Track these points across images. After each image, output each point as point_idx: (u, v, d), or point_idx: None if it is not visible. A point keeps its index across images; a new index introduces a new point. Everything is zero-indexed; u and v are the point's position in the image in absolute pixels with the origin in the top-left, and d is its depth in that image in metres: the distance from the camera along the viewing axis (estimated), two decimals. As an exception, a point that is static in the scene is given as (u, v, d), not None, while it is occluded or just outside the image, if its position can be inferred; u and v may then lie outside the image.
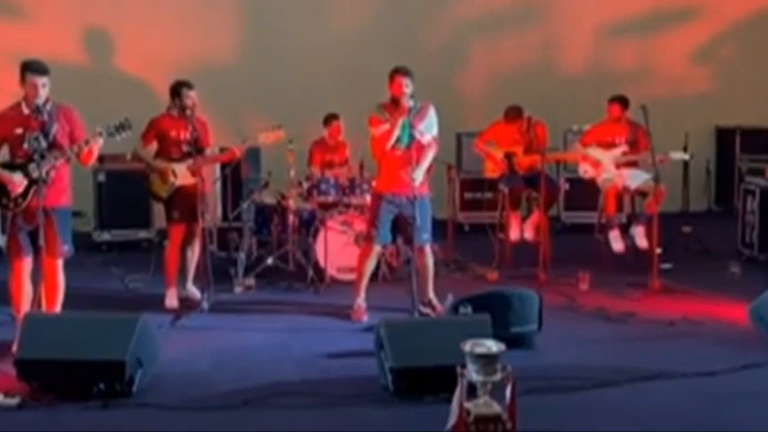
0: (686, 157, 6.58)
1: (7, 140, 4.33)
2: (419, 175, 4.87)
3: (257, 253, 6.49)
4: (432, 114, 4.99)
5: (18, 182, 4.26)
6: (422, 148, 4.97)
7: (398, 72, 4.93)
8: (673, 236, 6.74)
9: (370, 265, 5.16)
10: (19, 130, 4.29)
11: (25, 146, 4.27)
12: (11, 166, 4.31)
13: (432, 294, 5.20)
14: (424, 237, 5.05)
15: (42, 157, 4.22)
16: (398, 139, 4.92)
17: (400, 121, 4.86)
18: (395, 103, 4.94)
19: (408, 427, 3.52)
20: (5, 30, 7.64)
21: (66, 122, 4.36)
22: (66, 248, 4.44)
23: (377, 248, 5.13)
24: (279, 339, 4.74)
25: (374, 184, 5.35)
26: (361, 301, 5.14)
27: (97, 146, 4.39)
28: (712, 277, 5.99)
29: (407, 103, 4.85)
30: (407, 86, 4.90)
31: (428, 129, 4.97)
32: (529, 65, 8.77)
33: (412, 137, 4.91)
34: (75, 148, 4.32)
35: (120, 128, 4.38)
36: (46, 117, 4.24)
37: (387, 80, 5.00)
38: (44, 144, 4.23)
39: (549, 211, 6.77)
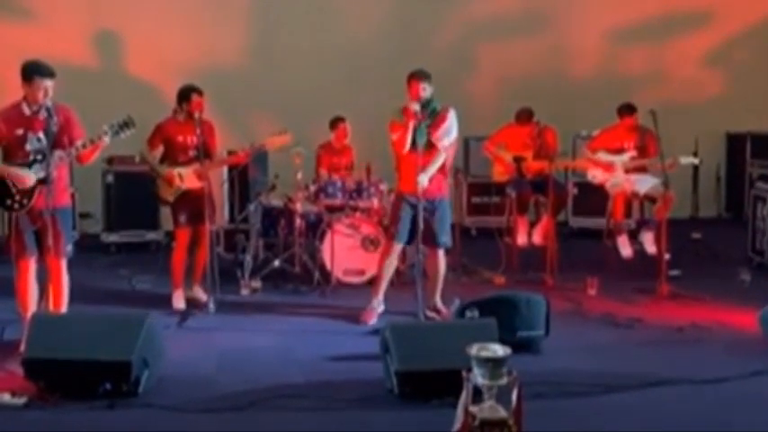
0: (696, 161, 6.54)
1: (6, 141, 4.30)
2: (424, 179, 4.87)
3: (264, 255, 6.50)
4: (450, 119, 4.94)
5: (28, 176, 4.25)
6: (436, 153, 4.95)
7: (415, 76, 4.93)
8: (682, 242, 6.71)
9: (390, 264, 5.13)
10: (20, 131, 4.27)
11: (28, 147, 4.27)
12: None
13: (438, 299, 5.18)
14: (443, 239, 5.05)
15: (44, 157, 4.23)
16: (415, 143, 4.89)
17: (411, 125, 4.86)
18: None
19: (413, 431, 3.50)
20: (16, 31, 7.69)
21: (66, 122, 4.34)
22: (69, 248, 4.46)
23: (397, 247, 5.11)
24: (284, 341, 4.74)
25: (397, 184, 5.28)
26: (375, 303, 5.12)
27: (103, 145, 4.39)
28: (721, 284, 5.95)
29: (414, 107, 4.85)
30: (425, 90, 4.90)
31: (446, 134, 4.94)
32: (538, 69, 8.75)
33: (430, 141, 4.90)
34: (80, 148, 4.32)
35: (124, 126, 4.37)
36: (49, 117, 4.22)
37: (396, 83, 5.01)
38: (47, 144, 4.23)
39: (558, 216, 6.74)
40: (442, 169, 5.01)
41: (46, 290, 4.38)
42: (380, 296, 5.15)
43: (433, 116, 4.91)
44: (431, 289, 5.11)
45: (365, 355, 4.32)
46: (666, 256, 5.69)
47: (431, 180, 4.91)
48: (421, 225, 4.85)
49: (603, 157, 6.40)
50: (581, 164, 6.89)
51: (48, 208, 4.19)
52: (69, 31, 7.86)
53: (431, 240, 4.98)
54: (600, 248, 6.66)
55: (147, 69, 7.99)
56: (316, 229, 6.21)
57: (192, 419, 3.59)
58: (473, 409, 2.96)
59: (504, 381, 2.95)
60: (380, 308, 5.14)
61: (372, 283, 5.24)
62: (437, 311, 5.13)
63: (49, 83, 4.24)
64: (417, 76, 4.93)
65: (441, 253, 5.10)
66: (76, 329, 3.87)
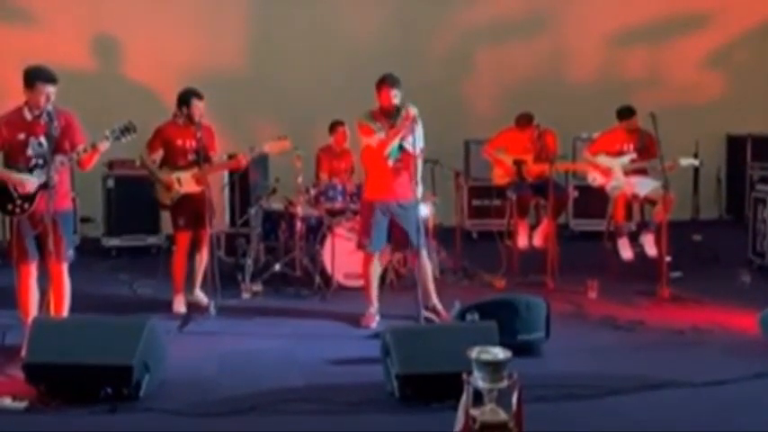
0: (696, 162, 6.54)
1: (8, 146, 4.31)
2: (419, 188, 4.94)
3: (265, 259, 6.50)
4: (420, 127, 5.00)
5: (30, 182, 4.24)
6: (410, 158, 4.97)
7: (386, 82, 4.93)
8: (683, 244, 6.70)
9: (373, 273, 5.16)
10: (21, 136, 4.28)
11: (29, 151, 4.27)
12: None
13: (435, 300, 5.19)
14: (422, 241, 5.05)
15: (45, 161, 4.24)
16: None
17: (397, 140, 4.89)
18: (383, 112, 4.97)
19: (414, 434, 3.51)
20: (16, 36, 7.71)
21: (67, 127, 4.35)
22: (71, 252, 4.46)
23: (375, 255, 5.13)
24: (285, 345, 4.74)
25: (363, 192, 5.32)
26: (372, 309, 5.14)
27: (102, 149, 4.39)
28: (722, 286, 5.95)
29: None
30: (396, 97, 4.92)
31: (417, 140, 4.97)
32: (538, 72, 8.75)
33: (401, 147, 4.94)
34: (81, 152, 4.32)
35: (126, 130, 4.39)
36: (50, 122, 4.23)
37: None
38: (48, 149, 4.24)
39: (558, 218, 6.74)
40: (411, 174, 5.01)
41: (47, 294, 4.39)
42: (375, 302, 5.16)
43: (401, 121, 4.91)
44: (424, 291, 5.09)
45: (366, 359, 4.32)
46: (667, 259, 5.69)
47: (402, 184, 4.95)
48: (422, 228, 4.86)
49: (603, 160, 6.40)
50: (582, 166, 6.89)
51: (49, 212, 4.19)
52: (70, 35, 7.87)
53: (411, 244, 4.99)
54: (600, 251, 6.65)
55: (148, 73, 8.00)
56: (316, 232, 6.21)
57: (193, 423, 3.59)
58: (474, 412, 2.96)
59: (504, 384, 2.95)
60: (376, 311, 5.15)
61: (363, 291, 5.25)
62: (436, 313, 5.13)
63: (51, 88, 4.25)
64: (388, 82, 4.91)
65: (423, 254, 5.10)
66: (77, 334, 3.88)
